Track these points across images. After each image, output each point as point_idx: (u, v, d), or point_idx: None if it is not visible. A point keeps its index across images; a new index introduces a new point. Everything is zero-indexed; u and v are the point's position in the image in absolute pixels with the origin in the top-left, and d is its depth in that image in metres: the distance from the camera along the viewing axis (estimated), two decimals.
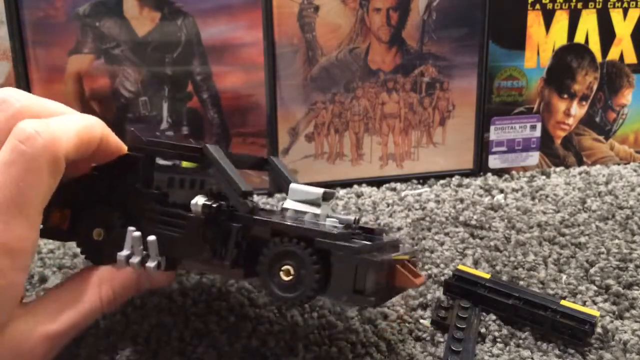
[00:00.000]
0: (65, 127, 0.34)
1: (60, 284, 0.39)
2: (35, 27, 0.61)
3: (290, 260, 0.35)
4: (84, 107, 0.64)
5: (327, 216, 0.39)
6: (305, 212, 0.39)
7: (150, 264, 0.37)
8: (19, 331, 0.35)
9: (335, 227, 0.37)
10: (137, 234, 0.37)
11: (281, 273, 0.35)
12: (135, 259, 0.37)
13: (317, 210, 0.39)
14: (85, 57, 0.63)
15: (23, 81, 0.61)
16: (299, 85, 0.68)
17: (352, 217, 0.40)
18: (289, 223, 0.36)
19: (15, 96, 0.35)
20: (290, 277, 0.35)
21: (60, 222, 0.39)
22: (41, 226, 0.35)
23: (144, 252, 0.38)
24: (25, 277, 0.35)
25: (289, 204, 0.40)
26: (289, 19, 0.66)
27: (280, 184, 0.47)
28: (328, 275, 0.35)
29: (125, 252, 0.37)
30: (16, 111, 0.34)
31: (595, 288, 0.50)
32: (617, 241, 0.57)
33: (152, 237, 0.37)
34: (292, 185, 0.40)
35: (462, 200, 0.66)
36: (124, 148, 0.39)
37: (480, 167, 0.75)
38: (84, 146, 0.35)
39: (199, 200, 0.36)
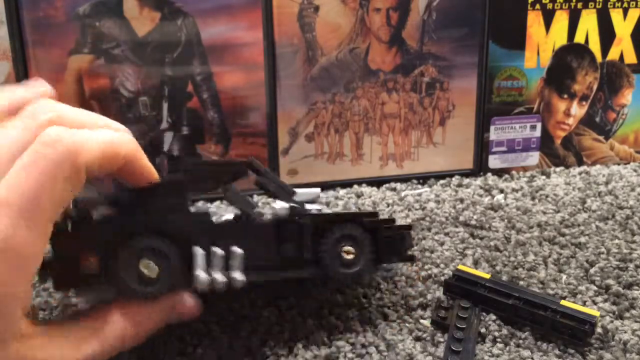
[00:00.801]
0: (91, 138, 0.34)
1: (85, 311, 0.38)
2: (35, 27, 0.61)
3: (349, 241, 0.42)
4: (84, 107, 0.63)
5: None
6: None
7: (239, 276, 0.38)
8: (26, 353, 0.33)
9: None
10: (220, 251, 0.38)
11: (343, 254, 0.42)
12: (219, 275, 0.38)
13: (317, 206, 0.45)
14: (85, 57, 0.63)
15: (23, 81, 0.61)
16: (299, 85, 0.68)
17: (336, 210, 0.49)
18: (340, 212, 0.43)
19: (49, 106, 0.35)
20: (352, 255, 0.42)
21: (91, 267, 0.37)
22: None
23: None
24: (31, 286, 0.34)
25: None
26: (289, 19, 0.66)
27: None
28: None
29: (201, 272, 0.38)
30: (48, 121, 0.34)
31: (595, 288, 0.50)
32: (617, 241, 0.57)
33: (237, 250, 0.38)
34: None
35: (462, 200, 0.66)
36: (154, 173, 0.38)
37: (480, 167, 0.75)
38: (107, 161, 0.35)
39: (282, 204, 0.40)
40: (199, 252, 0.38)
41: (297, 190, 0.45)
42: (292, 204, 0.41)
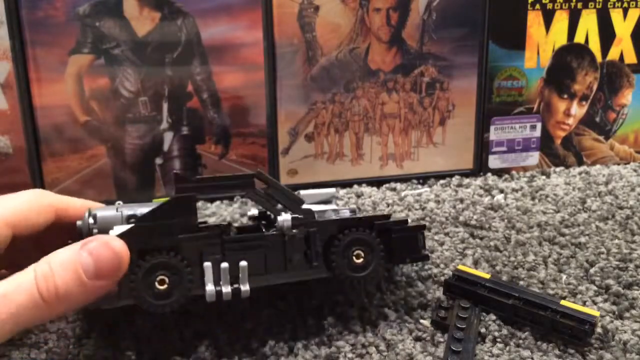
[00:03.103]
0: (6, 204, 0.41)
1: None
2: (35, 27, 0.61)
3: (359, 246, 0.43)
4: (84, 107, 0.64)
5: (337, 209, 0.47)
6: (324, 210, 0.46)
7: (245, 287, 0.40)
8: None
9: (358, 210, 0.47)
10: (225, 265, 0.40)
11: (354, 258, 0.42)
12: (227, 289, 0.40)
13: (332, 206, 0.47)
14: (85, 57, 0.63)
15: (23, 81, 0.61)
16: (299, 85, 0.68)
17: (352, 206, 0.50)
18: (349, 216, 0.43)
19: None
20: (361, 259, 0.43)
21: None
22: None
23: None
24: None
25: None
26: (289, 19, 0.66)
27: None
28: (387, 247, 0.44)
29: (211, 287, 0.39)
30: None
31: (595, 288, 0.50)
32: (617, 241, 0.57)
33: (243, 263, 0.40)
34: (302, 192, 0.46)
35: (462, 200, 0.66)
36: (79, 204, 0.44)
37: (480, 167, 0.75)
38: (25, 219, 0.41)
39: (286, 217, 0.41)
40: (208, 267, 0.39)
41: (309, 192, 0.46)
42: (298, 215, 0.42)
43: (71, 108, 0.63)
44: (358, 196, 0.68)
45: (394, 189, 0.71)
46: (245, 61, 0.66)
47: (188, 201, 0.39)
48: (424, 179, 0.73)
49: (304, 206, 0.44)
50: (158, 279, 0.38)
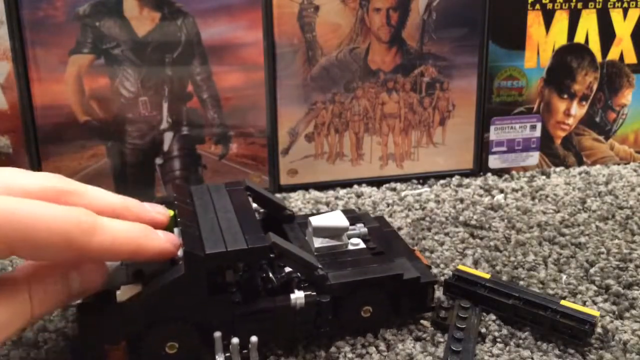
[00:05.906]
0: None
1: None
2: (35, 27, 0.61)
3: (367, 303, 0.43)
4: (84, 107, 0.64)
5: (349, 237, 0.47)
6: (336, 251, 0.46)
7: (255, 357, 0.40)
8: None
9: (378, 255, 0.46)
10: (236, 340, 0.39)
11: (362, 313, 0.43)
12: (236, 358, 0.40)
13: (344, 240, 0.46)
14: (85, 57, 0.63)
15: (23, 81, 0.61)
16: (299, 85, 0.68)
17: (364, 229, 0.49)
18: (360, 278, 0.42)
19: None
20: (369, 314, 0.43)
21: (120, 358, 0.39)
22: None
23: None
24: None
25: (318, 242, 0.46)
26: (289, 19, 0.66)
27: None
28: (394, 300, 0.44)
29: (220, 356, 0.40)
30: None
31: (595, 288, 0.50)
32: (617, 241, 0.57)
33: (254, 338, 0.40)
34: (314, 223, 0.46)
35: (462, 200, 0.66)
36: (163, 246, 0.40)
37: (480, 167, 0.75)
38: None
39: (299, 294, 0.41)
40: (218, 337, 0.40)
41: (320, 222, 0.45)
42: (311, 280, 0.42)
43: (71, 108, 0.63)
44: (358, 196, 0.68)
45: (394, 189, 0.71)
46: (245, 61, 0.66)
47: (198, 278, 0.39)
48: (424, 179, 0.73)
49: (317, 245, 0.45)
50: (168, 345, 0.39)
